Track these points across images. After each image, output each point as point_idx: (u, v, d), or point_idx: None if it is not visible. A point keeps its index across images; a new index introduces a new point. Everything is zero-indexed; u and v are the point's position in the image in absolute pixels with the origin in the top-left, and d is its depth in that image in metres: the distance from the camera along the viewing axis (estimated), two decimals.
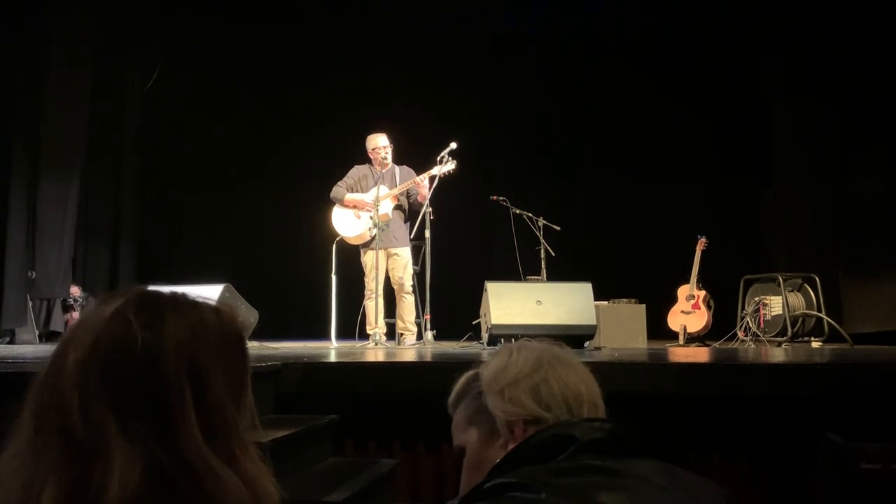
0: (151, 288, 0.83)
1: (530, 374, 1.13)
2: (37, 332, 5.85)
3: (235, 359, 0.82)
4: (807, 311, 5.55)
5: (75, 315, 6.46)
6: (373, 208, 5.30)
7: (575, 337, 4.42)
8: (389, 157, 5.60)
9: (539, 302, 4.63)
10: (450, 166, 5.37)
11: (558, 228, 5.71)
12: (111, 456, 0.72)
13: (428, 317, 5.29)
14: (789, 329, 5.40)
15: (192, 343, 0.78)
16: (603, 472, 0.93)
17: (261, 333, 4.64)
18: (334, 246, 5.37)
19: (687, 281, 5.94)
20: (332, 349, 4.85)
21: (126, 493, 0.71)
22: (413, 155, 5.79)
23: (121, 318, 0.77)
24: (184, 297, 0.82)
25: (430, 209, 5.37)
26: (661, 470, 0.96)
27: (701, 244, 5.94)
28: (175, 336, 0.77)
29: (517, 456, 1.03)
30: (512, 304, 4.62)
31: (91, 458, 0.72)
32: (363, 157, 5.73)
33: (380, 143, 5.60)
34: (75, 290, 6.40)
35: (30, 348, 5.16)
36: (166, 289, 0.87)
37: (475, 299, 4.98)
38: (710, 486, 0.99)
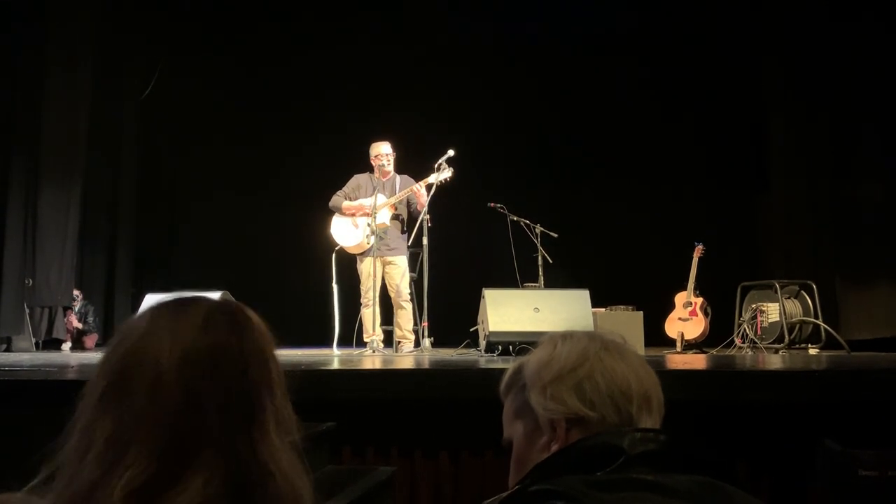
0: (223, 296, 0.88)
1: (575, 368, 1.07)
2: (33, 340, 5.84)
3: (277, 358, 0.87)
4: (804, 318, 5.55)
5: (73, 317, 6.43)
6: (370, 215, 5.30)
7: None
8: (391, 165, 5.59)
9: (536, 309, 4.63)
10: (446, 174, 5.37)
11: (556, 235, 5.72)
12: (205, 454, 0.76)
13: (426, 324, 5.28)
14: (786, 336, 5.40)
15: (265, 347, 0.84)
16: (651, 488, 0.89)
17: None
18: (334, 255, 5.37)
19: (684, 288, 5.94)
20: (330, 356, 4.84)
21: (209, 494, 0.75)
22: (411, 163, 5.79)
23: (216, 327, 0.82)
24: (243, 306, 0.88)
25: (428, 216, 5.37)
26: (712, 489, 0.93)
27: (698, 251, 5.94)
28: (254, 342, 0.83)
29: (561, 461, 0.99)
30: (509, 311, 4.61)
31: (182, 453, 0.76)
32: (363, 166, 5.74)
33: (382, 151, 5.59)
34: (74, 292, 6.38)
35: (26, 356, 5.15)
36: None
37: (473, 306, 4.97)
38: None
